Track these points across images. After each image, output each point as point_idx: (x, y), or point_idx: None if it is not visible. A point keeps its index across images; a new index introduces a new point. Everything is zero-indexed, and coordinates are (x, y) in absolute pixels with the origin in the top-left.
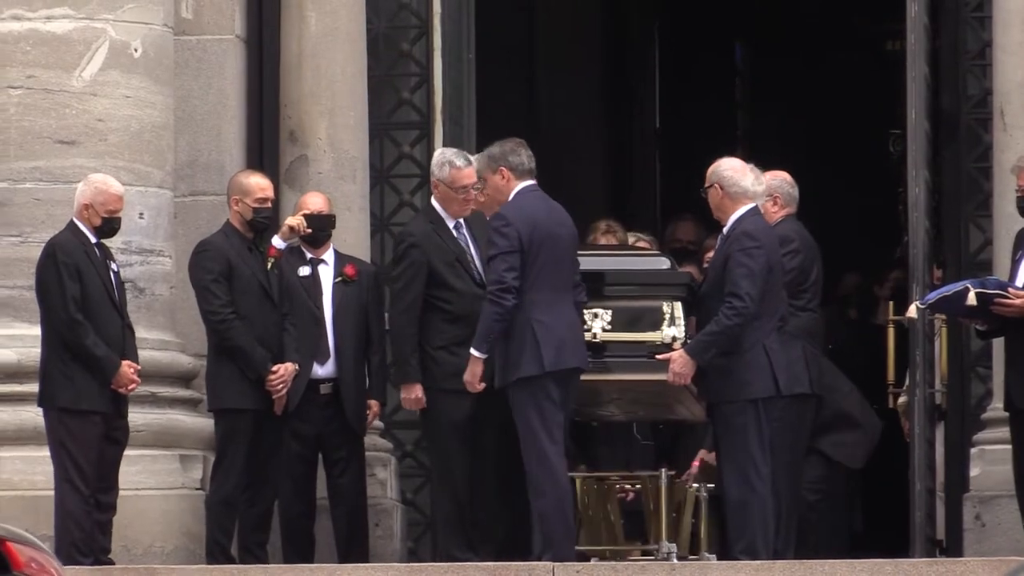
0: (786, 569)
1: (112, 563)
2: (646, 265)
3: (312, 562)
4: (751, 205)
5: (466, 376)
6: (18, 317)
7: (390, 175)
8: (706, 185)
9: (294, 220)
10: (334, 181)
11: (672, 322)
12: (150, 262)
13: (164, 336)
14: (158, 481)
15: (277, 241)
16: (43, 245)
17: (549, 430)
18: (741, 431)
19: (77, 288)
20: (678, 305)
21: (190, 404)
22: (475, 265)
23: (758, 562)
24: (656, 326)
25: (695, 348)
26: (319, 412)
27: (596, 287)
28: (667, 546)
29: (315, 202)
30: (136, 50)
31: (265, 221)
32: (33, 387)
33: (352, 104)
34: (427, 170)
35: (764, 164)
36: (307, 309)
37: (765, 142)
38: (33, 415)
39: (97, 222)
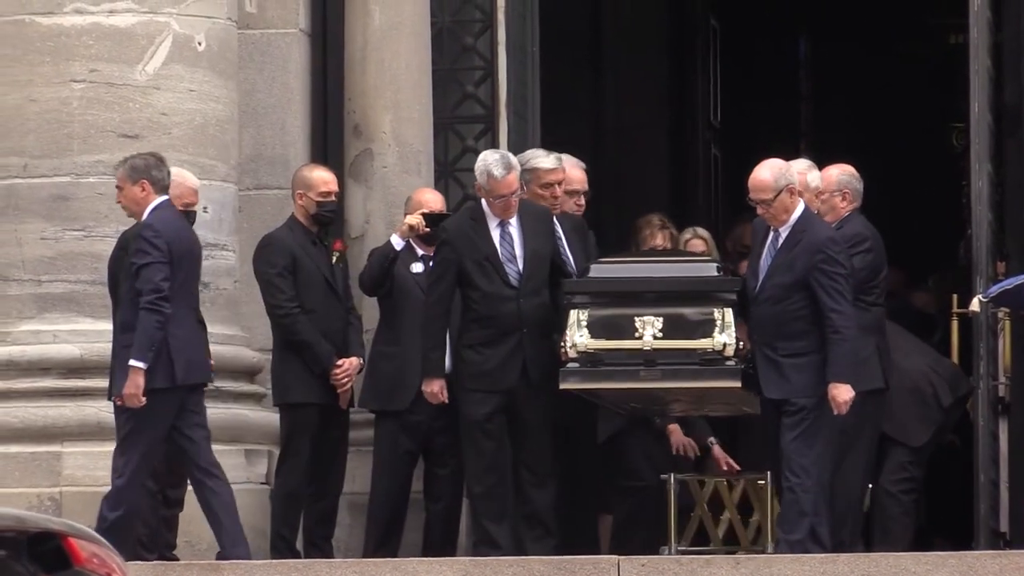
0: (851, 561)
1: (176, 559)
2: (696, 272)
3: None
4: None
5: (128, 388)
6: (81, 312)
7: (455, 169)
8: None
9: (413, 219)
10: (399, 175)
11: (723, 329)
12: (214, 256)
13: (228, 330)
14: None
15: (396, 240)
16: (106, 239)
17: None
18: (821, 425)
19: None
20: (728, 311)
21: (255, 399)
22: (509, 266)
23: (823, 555)
24: (708, 333)
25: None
26: (430, 405)
27: (646, 294)
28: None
29: (433, 200)
30: (200, 44)
31: (329, 215)
32: (96, 382)
33: (416, 98)
34: None
35: (828, 158)
36: (422, 305)
37: (829, 135)
38: (96, 410)
39: None
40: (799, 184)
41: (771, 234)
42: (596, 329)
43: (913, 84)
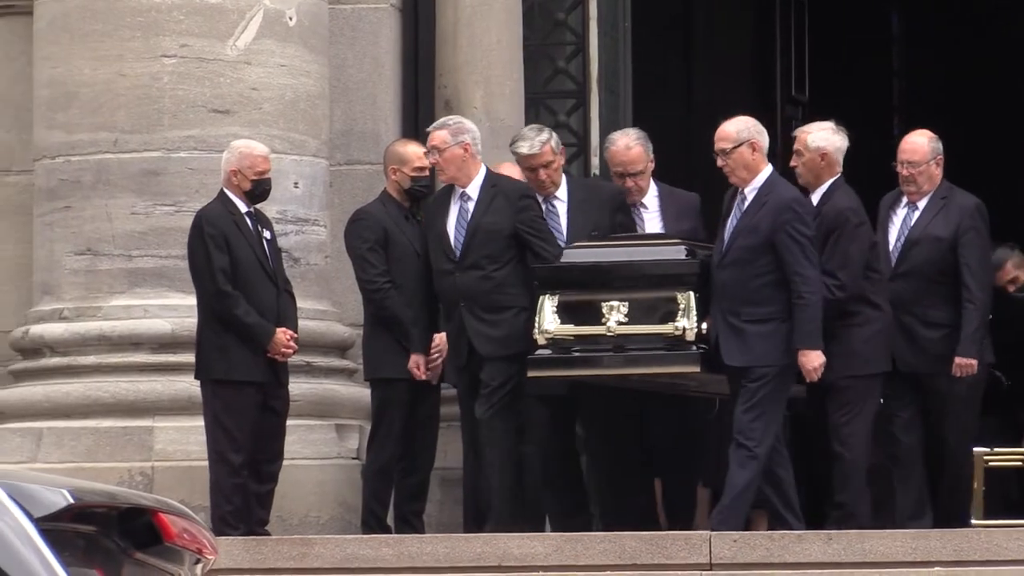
0: (943, 536)
1: (268, 534)
2: (663, 255)
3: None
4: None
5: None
6: (172, 287)
7: None
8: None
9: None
10: (490, 150)
11: (686, 313)
12: (305, 231)
13: (319, 305)
14: (314, 451)
15: None
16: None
17: None
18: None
19: (225, 259)
20: (691, 295)
21: (346, 374)
22: (457, 241)
23: (915, 530)
24: (671, 317)
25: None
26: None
27: (614, 279)
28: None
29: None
30: (291, 19)
31: (423, 189)
32: (187, 357)
33: (508, 73)
34: (583, 140)
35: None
36: None
37: (922, 111)
38: (187, 385)
39: (247, 186)
40: (799, 141)
41: (738, 197)
42: (565, 315)
43: (1008, 59)
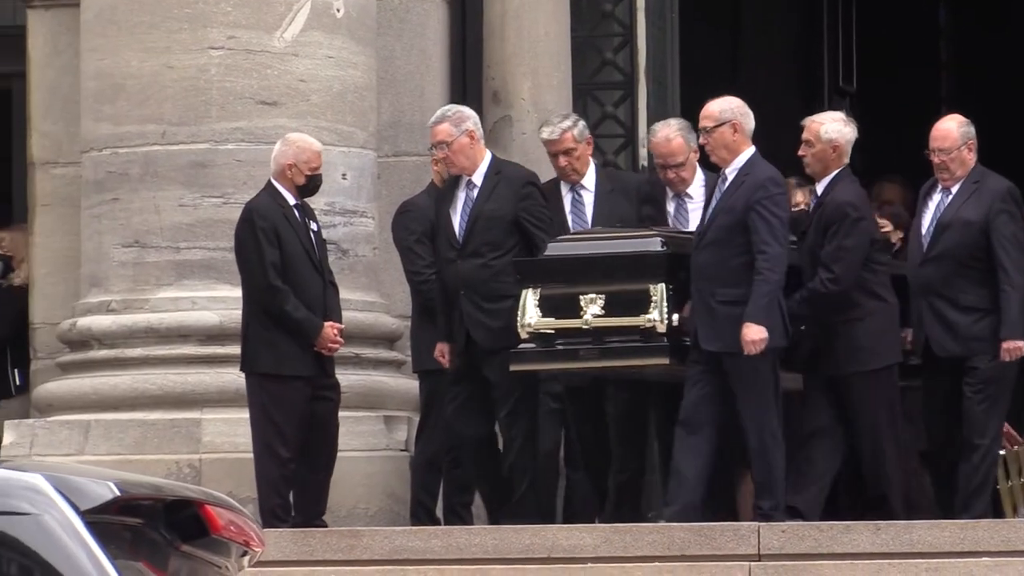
0: (991, 527)
1: (326, 525)
2: (638, 248)
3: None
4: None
5: None
6: (220, 279)
7: (594, 135)
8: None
9: None
10: (538, 142)
11: (657, 305)
12: (353, 223)
13: (367, 297)
14: (362, 443)
15: None
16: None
17: None
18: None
19: (275, 252)
20: (662, 287)
21: (394, 365)
22: (459, 228)
23: (963, 520)
24: (644, 310)
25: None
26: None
27: (592, 272)
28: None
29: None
30: (338, 11)
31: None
32: (235, 349)
33: (555, 65)
34: (631, 131)
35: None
36: None
37: (970, 103)
38: (235, 377)
39: (301, 180)
40: (810, 131)
41: (719, 177)
42: (546, 308)
43: None
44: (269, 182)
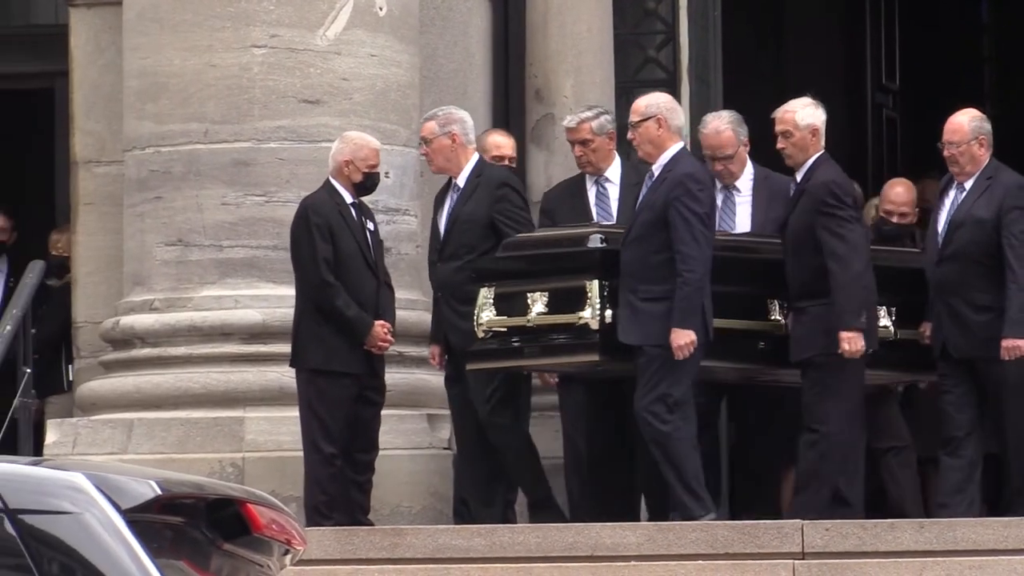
0: None
1: (371, 523)
2: (577, 245)
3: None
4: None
5: None
6: (263, 277)
7: None
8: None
9: None
10: None
11: (591, 302)
12: (396, 221)
13: (410, 295)
14: (405, 441)
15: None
16: (287, 205)
17: None
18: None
19: (329, 249)
20: (595, 283)
21: None
22: (443, 230)
23: (1007, 518)
24: (581, 307)
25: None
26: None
27: (533, 270)
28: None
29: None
30: (381, 9)
31: None
32: (278, 347)
33: (598, 62)
34: None
35: (1015, 121)
36: None
37: (1014, 99)
38: (278, 375)
39: (358, 178)
40: (785, 122)
41: (647, 173)
42: (499, 307)
43: None
44: (327, 180)
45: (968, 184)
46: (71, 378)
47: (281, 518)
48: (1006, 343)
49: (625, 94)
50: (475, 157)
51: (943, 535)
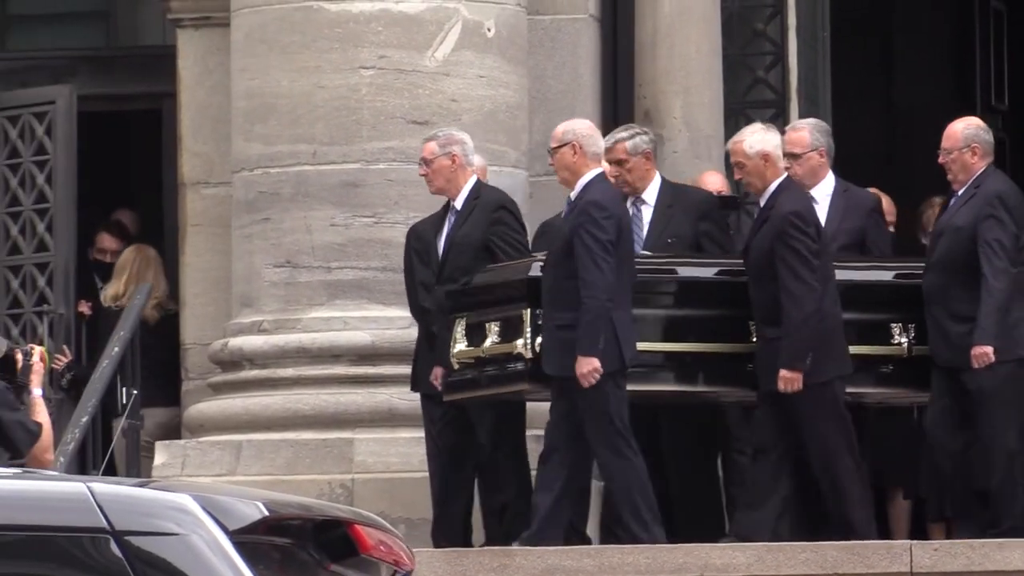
0: None
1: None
2: (513, 275)
3: None
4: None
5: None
6: (372, 299)
7: None
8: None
9: None
10: (690, 160)
11: (524, 331)
12: None
13: None
14: None
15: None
16: (395, 226)
17: None
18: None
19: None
20: (528, 312)
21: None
22: (441, 254)
23: None
24: (519, 335)
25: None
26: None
27: (490, 300)
28: None
29: (715, 182)
30: (489, 30)
31: None
32: (387, 369)
33: (707, 83)
34: None
35: None
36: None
37: None
38: (387, 397)
39: None
40: (736, 152)
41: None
42: (469, 337)
43: None
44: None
45: (960, 192)
46: (124, 400)
47: (389, 539)
48: (975, 350)
49: (734, 115)
50: (473, 179)
51: None
